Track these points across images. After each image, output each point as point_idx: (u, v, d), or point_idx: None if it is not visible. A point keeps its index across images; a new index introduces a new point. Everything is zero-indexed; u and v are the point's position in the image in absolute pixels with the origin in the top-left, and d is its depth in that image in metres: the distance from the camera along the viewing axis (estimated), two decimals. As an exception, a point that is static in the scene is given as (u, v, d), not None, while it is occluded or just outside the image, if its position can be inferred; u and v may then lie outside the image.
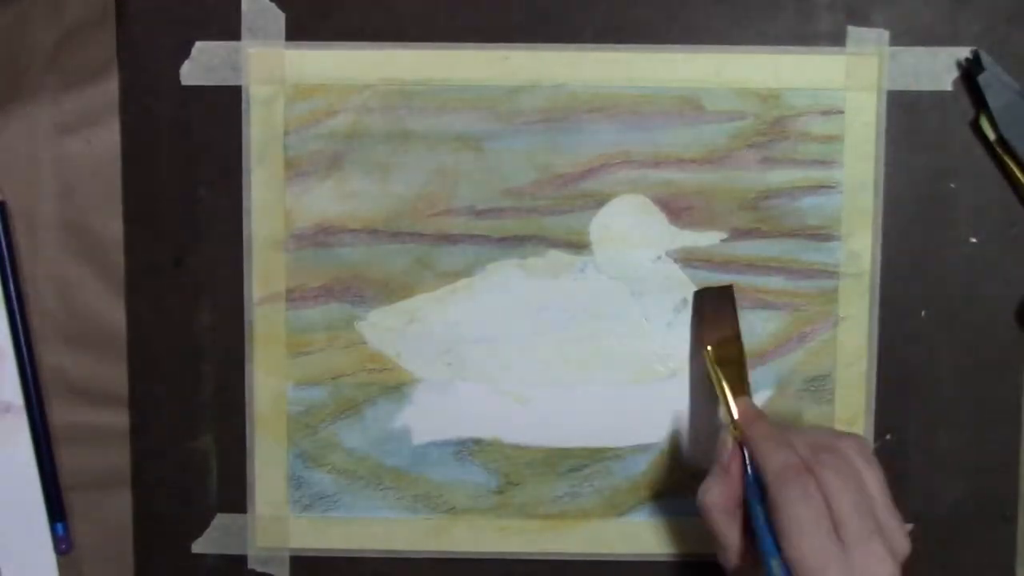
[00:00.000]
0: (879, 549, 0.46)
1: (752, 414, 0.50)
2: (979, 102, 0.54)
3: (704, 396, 0.56)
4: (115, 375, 0.56)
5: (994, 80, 0.53)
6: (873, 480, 0.48)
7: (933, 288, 0.55)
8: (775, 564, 0.46)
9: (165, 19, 0.55)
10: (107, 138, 0.56)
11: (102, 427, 0.56)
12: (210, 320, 0.56)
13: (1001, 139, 0.54)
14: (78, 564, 0.57)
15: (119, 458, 0.57)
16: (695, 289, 0.55)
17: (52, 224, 0.56)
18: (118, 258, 0.56)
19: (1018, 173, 0.54)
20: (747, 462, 0.49)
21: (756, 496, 0.48)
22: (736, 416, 0.50)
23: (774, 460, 0.47)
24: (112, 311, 0.56)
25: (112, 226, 0.56)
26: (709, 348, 0.52)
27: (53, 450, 0.56)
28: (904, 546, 0.47)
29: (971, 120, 0.55)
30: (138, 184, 0.56)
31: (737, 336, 0.53)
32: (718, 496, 0.49)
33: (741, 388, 0.51)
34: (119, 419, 0.56)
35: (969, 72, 0.54)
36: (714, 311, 0.54)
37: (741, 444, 0.49)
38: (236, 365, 0.56)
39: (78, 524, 0.57)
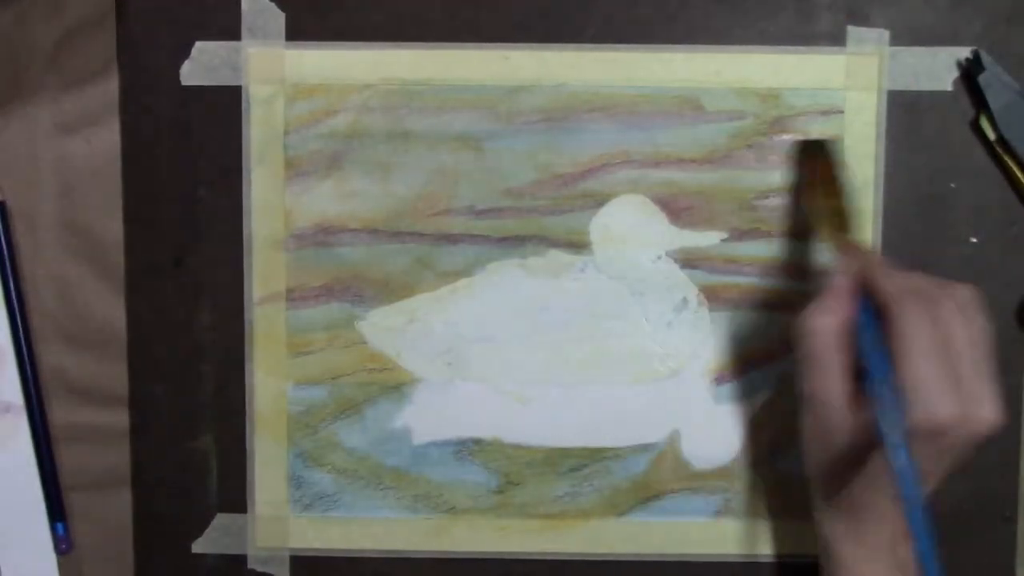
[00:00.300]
0: (989, 387, 0.45)
1: (865, 248, 0.49)
2: (979, 102, 0.54)
3: (708, 392, 0.56)
4: (115, 375, 0.56)
5: (994, 80, 0.53)
6: (983, 330, 0.46)
7: (933, 288, 0.55)
8: (885, 388, 0.44)
9: (165, 19, 0.55)
10: (107, 138, 0.56)
11: (102, 427, 0.56)
12: (210, 320, 0.56)
13: (1001, 139, 0.54)
14: (78, 564, 0.57)
15: (119, 458, 0.57)
16: (797, 141, 0.55)
17: (52, 224, 0.56)
18: (118, 258, 0.56)
19: (1018, 173, 0.54)
20: (858, 295, 0.47)
21: (871, 323, 0.46)
22: (847, 249, 0.49)
23: (895, 283, 0.46)
24: (112, 311, 0.56)
25: (112, 226, 0.56)
26: (817, 191, 0.52)
27: (53, 450, 0.56)
28: (1001, 403, 0.45)
29: (971, 120, 0.55)
30: (138, 184, 0.56)
31: (843, 184, 0.52)
32: (828, 320, 0.47)
33: (849, 228, 0.51)
34: (119, 419, 0.56)
35: (969, 72, 0.54)
36: (820, 161, 0.53)
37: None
38: (236, 365, 0.56)
39: (78, 524, 0.57)
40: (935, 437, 0.44)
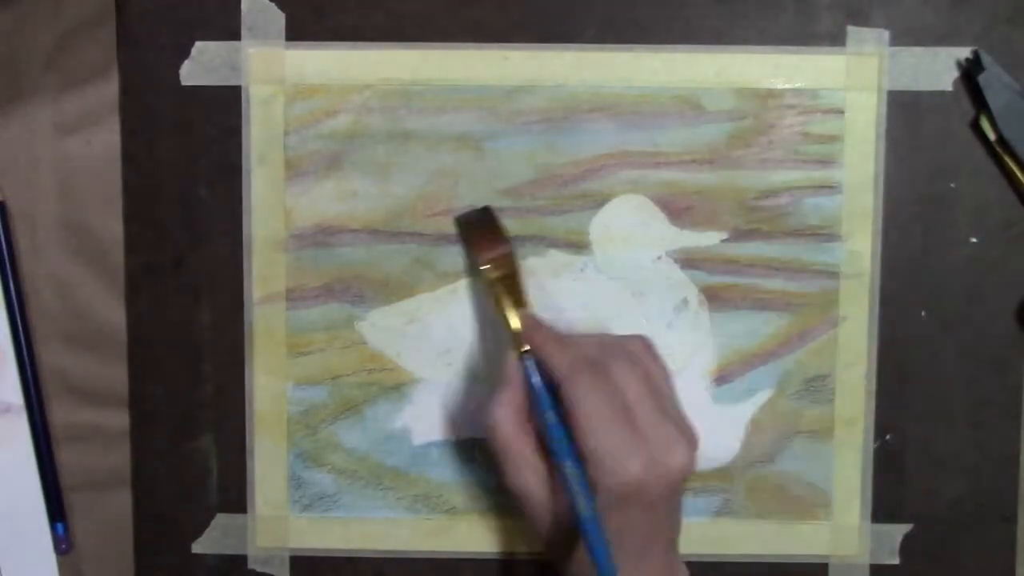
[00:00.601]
0: (674, 432, 0.46)
1: (535, 322, 0.50)
2: (979, 102, 0.54)
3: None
4: (115, 375, 0.56)
5: (994, 80, 0.53)
6: (660, 374, 0.48)
7: (933, 288, 0.55)
8: (570, 466, 0.45)
9: (165, 19, 0.55)
10: (107, 138, 0.56)
11: (102, 427, 0.56)
12: (210, 320, 0.56)
13: (1001, 139, 0.54)
14: (78, 564, 0.57)
15: (119, 458, 0.57)
16: (455, 217, 0.55)
17: (52, 224, 0.56)
18: (118, 258, 0.56)
19: (1018, 173, 0.54)
20: (530, 374, 0.48)
21: (546, 402, 0.47)
22: (518, 325, 0.50)
23: (563, 358, 0.47)
24: (112, 311, 0.56)
25: (112, 226, 0.56)
26: (485, 267, 0.52)
27: (53, 450, 0.56)
28: (695, 439, 0.47)
29: (971, 120, 0.55)
30: (138, 184, 0.56)
31: (510, 252, 0.53)
32: (507, 411, 0.48)
33: (520, 301, 0.51)
34: (119, 419, 0.56)
35: (969, 72, 0.54)
36: (481, 232, 0.54)
37: (524, 356, 0.49)
38: (236, 365, 0.56)
39: (78, 524, 0.57)
40: (633, 496, 0.45)
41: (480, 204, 0.55)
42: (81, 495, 0.57)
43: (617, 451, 0.44)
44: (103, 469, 0.57)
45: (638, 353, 0.48)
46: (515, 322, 0.50)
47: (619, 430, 0.45)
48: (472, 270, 0.55)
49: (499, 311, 0.51)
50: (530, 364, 0.48)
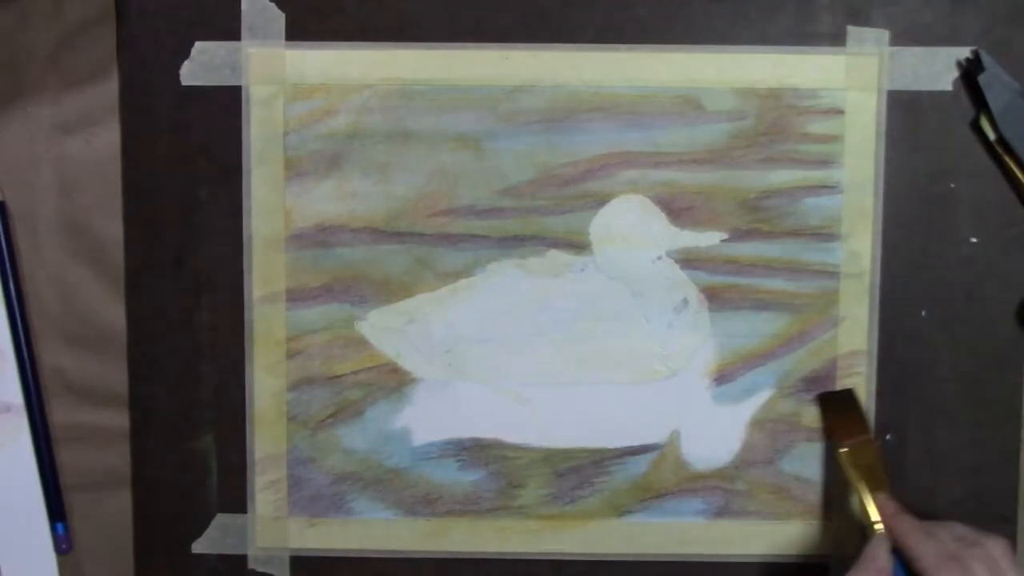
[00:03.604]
0: None
1: (895, 508, 0.51)
2: (979, 102, 0.54)
3: (703, 397, 0.56)
4: (115, 375, 0.56)
5: (994, 80, 0.53)
6: None
7: (933, 288, 0.55)
8: None
9: (165, 19, 0.55)
10: (107, 138, 0.56)
11: (102, 427, 0.56)
12: (210, 320, 0.56)
13: (1001, 139, 0.54)
14: (78, 564, 0.57)
15: (119, 458, 0.57)
16: (818, 394, 0.56)
17: (52, 224, 0.56)
18: (118, 258, 0.56)
19: (1018, 173, 0.54)
20: (896, 572, 0.49)
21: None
22: (878, 513, 0.51)
23: (928, 549, 0.48)
24: (112, 311, 0.56)
25: (112, 226, 0.56)
26: (843, 450, 0.53)
27: (53, 450, 0.56)
28: None
29: (971, 120, 0.55)
30: (138, 184, 0.56)
31: (870, 438, 0.53)
32: None
33: (880, 485, 0.52)
34: (119, 419, 0.56)
35: (969, 72, 0.54)
36: (842, 414, 0.54)
37: (876, 533, 0.50)
38: (236, 365, 0.56)
39: (78, 524, 0.57)
40: None
41: (480, 204, 0.55)
42: (81, 495, 0.57)
43: None
44: (103, 469, 0.57)
45: (997, 556, 0.48)
46: (873, 510, 0.51)
47: None
48: (833, 452, 0.55)
49: (857, 494, 0.52)
50: (897, 563, 0.49)
